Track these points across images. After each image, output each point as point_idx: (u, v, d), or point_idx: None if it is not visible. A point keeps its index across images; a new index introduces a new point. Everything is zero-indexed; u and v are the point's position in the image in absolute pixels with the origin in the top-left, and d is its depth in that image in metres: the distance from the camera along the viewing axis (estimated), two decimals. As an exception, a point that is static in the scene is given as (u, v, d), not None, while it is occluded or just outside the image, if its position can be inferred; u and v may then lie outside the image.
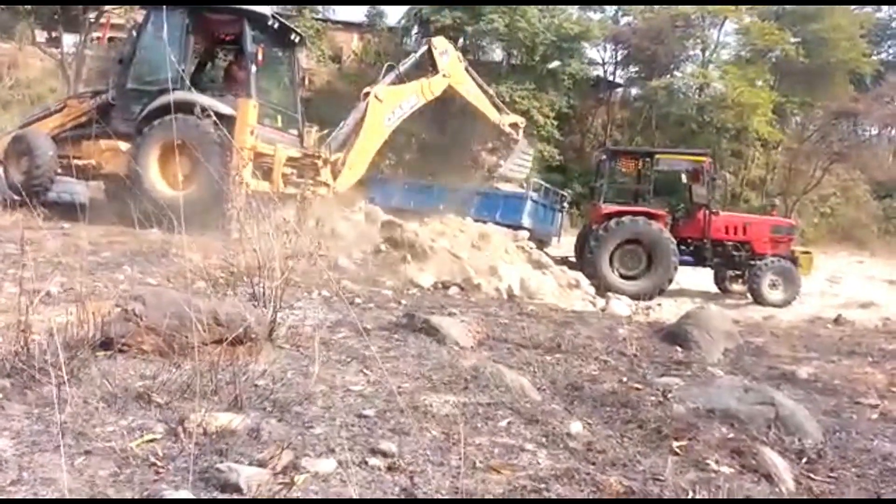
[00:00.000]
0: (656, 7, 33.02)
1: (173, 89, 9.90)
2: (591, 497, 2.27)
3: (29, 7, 23.58)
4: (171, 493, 1.96)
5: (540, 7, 29.77)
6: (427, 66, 13.26)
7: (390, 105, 12.17)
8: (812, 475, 2.66)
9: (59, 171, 10.55)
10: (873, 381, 4.42)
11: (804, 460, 2.79)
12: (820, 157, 31.88)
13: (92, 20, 24.60)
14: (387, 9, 34.93)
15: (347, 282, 7.14)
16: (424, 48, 13.53)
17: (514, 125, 15.16)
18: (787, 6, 33.59)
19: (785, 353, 5.48)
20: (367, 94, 12.18)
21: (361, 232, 11.08)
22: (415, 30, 33.30)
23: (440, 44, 13.45)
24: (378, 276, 8.07)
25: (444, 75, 13.05)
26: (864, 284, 15.37)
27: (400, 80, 12.83)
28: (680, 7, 31.76)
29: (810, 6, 31.99)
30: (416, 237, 9.49)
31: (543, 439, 2.76)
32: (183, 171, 9.67)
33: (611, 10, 35.39)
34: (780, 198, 31.55)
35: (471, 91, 13.86)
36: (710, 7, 30.52)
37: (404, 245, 9.19)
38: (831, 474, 2.69)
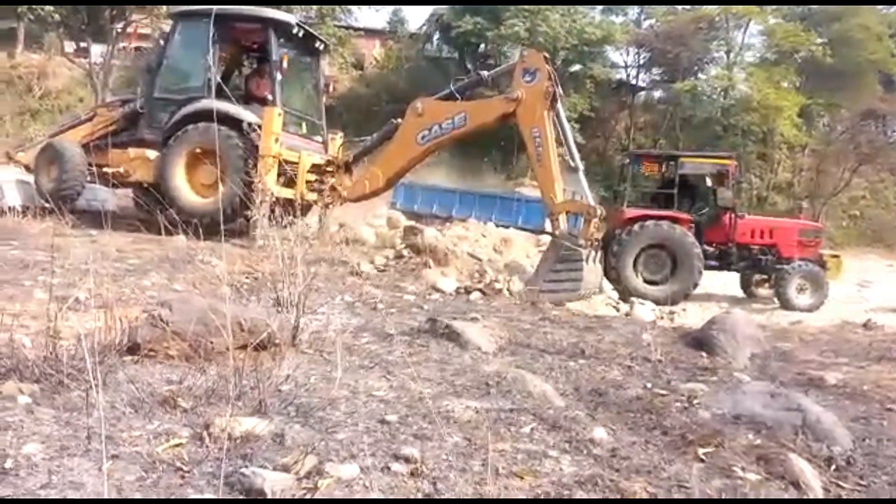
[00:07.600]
0: (679, 9, 32.80)
1: (200, 98, 10.05)
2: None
3: (58, 18, 24.07)
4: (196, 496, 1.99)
5: (561, 11, 29.70)
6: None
7: (429, 120, 9.98)
8: (841, 482, 2.61)
9: (89, 178, 10.75)
10: (904, 387, 4.32)
11: (833, 467, 2.73)
12: (848, 158, 31.32)
13: (119, 30, 25.04)
14: (408, 15, 35.28)
15: (370, 287, 7.17)
16: (515, 61, 10.42)
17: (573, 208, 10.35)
18: (814, 7, 33.18)
19: (813, 358, 5.39)
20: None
21: (383, 237, 11.13)
22: (436, 36, 33.48)
23: (532, 60, 9.67)
24: (400, 281, 8.10)
25: (510, 98, 9.49)
26: (894, 288, 15.07)
27: (450, 96, 10.37)
28: (703, 9, 31.50)
29: (837, 6, 31.56)
30: (438, 242, 9.50)
31: (567, 445, 2.74)
32: (209, 178, 9.81)
33: (633, 13, 35.29)
34: (807, 200, 31.14)
35: (537, 138, 9.32)
36: (733, 9, 30.21)
37: (426, 250, 9.20)
38: (861, 482, 2.64)
